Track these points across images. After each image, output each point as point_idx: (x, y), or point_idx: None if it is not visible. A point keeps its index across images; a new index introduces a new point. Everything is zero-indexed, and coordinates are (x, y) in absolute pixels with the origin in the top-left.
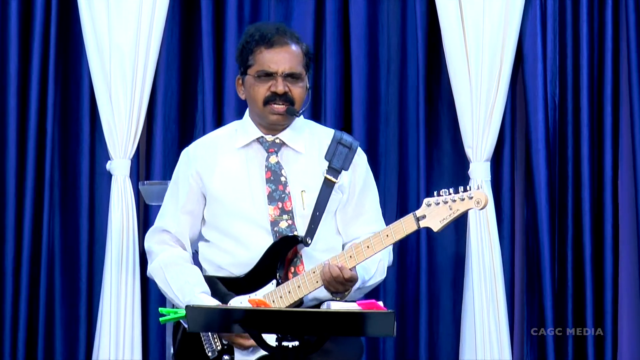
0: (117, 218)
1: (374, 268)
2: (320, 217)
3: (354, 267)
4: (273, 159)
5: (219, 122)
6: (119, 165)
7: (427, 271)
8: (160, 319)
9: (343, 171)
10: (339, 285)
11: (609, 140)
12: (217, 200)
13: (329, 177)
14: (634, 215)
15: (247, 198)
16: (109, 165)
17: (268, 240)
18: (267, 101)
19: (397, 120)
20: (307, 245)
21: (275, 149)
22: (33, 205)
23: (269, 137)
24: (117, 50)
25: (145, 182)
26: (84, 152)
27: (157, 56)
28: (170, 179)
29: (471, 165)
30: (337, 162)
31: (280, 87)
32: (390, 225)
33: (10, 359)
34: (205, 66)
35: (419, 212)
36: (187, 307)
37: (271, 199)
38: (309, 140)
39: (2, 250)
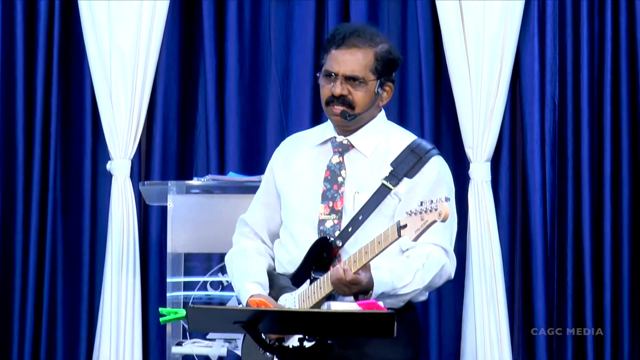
0: (117, 218)
1: (410, 277)
2: (363, 221)
3: (365, 270)
4: (335, 159)
5: (221, 122)
6: (120, 165)
7: None
8: (161, 319)
9: (405, 179)
10: (345, 287)
11: (608, 141)
12: (284, 195)
13: (385, 183)
14: (632, 215)
15: (304, 195)
16: (109, 166)
17: (313, 238)
18: (328, 102)
19: (397, 120)
20: (337, 247)
21: (340, 150)
22: (35, 206)
23: (339, 138)
24: (118, 52)
25: (146, 182)
26: (86, 153)
27: (158, 57)
28: (169, 179)
29: (471, 166)
30: (401, 169)
31: (337, 89)
32: (381, 232)
33: (11, 359)
34: (207, 66)
35: (402, 221)
36: (187, 307)
37: (324, 197)
38: (380, 144)
39: (4, 250)
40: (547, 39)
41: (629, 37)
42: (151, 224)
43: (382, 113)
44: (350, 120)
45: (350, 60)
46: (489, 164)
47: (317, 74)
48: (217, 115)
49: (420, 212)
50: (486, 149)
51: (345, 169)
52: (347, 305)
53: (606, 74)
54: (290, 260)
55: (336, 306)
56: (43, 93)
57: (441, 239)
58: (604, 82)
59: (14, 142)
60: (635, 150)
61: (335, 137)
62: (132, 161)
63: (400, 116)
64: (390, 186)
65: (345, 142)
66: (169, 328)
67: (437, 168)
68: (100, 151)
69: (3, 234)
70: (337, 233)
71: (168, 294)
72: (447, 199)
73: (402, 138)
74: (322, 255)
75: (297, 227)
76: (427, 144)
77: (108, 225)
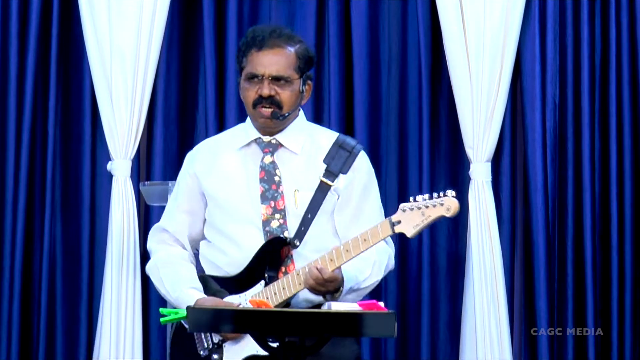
0: (117, 219)
1: (369, 269)
2: (312, 219)
3: (338, 268)
4: (267, 159)
5: (221, 121)
6: (120, 165)
7: (428, 271)
8: (161, 319)
9: (341, 175)
10: (321, 287)
11: (609, 141)
12: (214, 199)
13: (324, 180)
14: (634, 215)
15: (241, 197)
16: (109, 166)
17: (260, 239)
18: (255, 104)
19: (397, 120)
20: (294, 247)
21: (271, 150)
22: (34, 206)
23: (266, 138)
24: (118, 51)
25: (146, 182)
26: (85, 153)
27: (158, 57)
28: (170, 179)
29: (472, 166)
30: (335, 165)
31: (265, 90)
32: (368, 229)
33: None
34: (207, 66)
35: (394, 218)
36: (188, 307)
37: (264, 198)
38: (307, 142)
39: (2, 251)
40: (547, 39)
41: (630, 37)
42: (151, 224)
43: (302, 112)
44: (282, 119)
45: (274, 60)
46: (489, 164)
47: (238, 79)
48: (217, 116)
49: (420, 208)
50: (486, 149)
51: (278, 168)
52: (347, 305)
53: (608, 74)
54: (230, 262)
55: (336, 306)
56: (41, 93)
57: None
58: (604, 83)
59: (12, 143)
60: (637, 150)
61: (260, 138)
62: (132, 161)
63: (400, 116)
64: (330, 183)
65: (274, 141)
66: (169, 328)
67: (366, 162)
68: (100, 151)
69: (1, 235)
70: (285, 232)
71: None
72: (450, 193)
73: (326, 135)
74: (275, 255)
75: (238, 229)
76: (351, 139)
77: (108, 225)
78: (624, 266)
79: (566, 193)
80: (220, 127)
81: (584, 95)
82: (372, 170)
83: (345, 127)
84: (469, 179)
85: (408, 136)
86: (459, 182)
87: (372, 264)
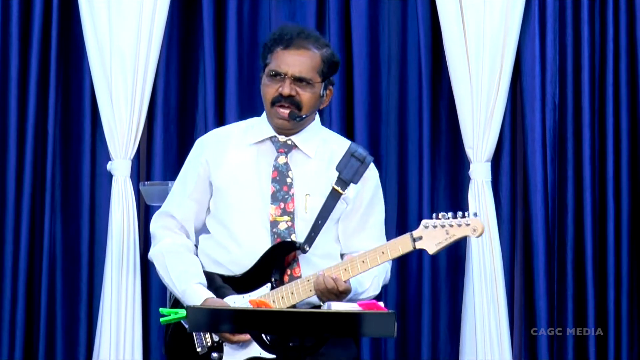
0: (117, 218)
1: (368, 283)
2: (322, 225)
3: (348, 279)
4: (282, 160)
5: (220, 121)
6: (120, 165)
7: (428, 271)
8: (161, 319)
9: (352, 184)
10: (332, 296)
11: (608, 141)
12: (221, 192)
13: (336, 187)
14: (632, 215)
15: (250, 194)
16: (109, 166)
17: (264, 239)
18: (274, 102)
19: (397, 120)
20: (304, 252)
21: (286, 150)
22: (34, 206)
23: (282, 138)
24: (118, 51)
25: (146, 182)
26: (85, 153)
27: (158, 57)
28: (170, 179)
29: (472, 166)
30: (347, 174)
31: (286, 89)
32: (387, 242)
33: (10, 359)
34: (207, 66)
35: (416, 233)
36: (187, 307)
37: (274, 198)
38: (321, 147)
39: (2, 251)
40: (547, 39)
41: (629, 37)
42: None
43: (318, 117)
44: (299, 121)
45: (299, 61)
46: (489, 164)
47: (260, 75)
48: (216, 115)
49: (444, 226)
50: (486, 149)
51: (291, 170)
52: (347, 305)
53: (607, 74)
54: (232, 260)
55: (336, 306)
56: (42, 93)
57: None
58: (604, 82)
59: (12, 142)
60: (635, 150)
61: (276, 137)
62: (132, 161)
63: (400, 116)
64: (341, 191)
65: (289, 142)
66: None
67: (376, 175)
68: (100, 151)
69: (1, 235)
70: (292, 235)
71: (168, 294)
72: (475, 214)
73: (339, 142)
74: (282, 258)
75: (243, 228)
76: (362, 149)
77: (108, 225)
78: (620, 266)
79: (566, 193)
80: (220, 126)
81: (584, 95)
82: (380, 184)
83: (346, 127)
84: (469, 179)
85: (408, 136)
86: (459, 182)
87: (372, 278)
